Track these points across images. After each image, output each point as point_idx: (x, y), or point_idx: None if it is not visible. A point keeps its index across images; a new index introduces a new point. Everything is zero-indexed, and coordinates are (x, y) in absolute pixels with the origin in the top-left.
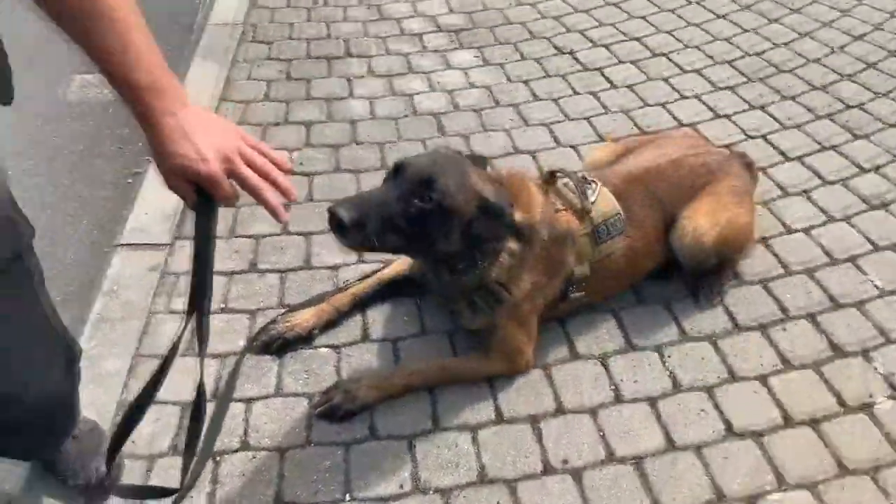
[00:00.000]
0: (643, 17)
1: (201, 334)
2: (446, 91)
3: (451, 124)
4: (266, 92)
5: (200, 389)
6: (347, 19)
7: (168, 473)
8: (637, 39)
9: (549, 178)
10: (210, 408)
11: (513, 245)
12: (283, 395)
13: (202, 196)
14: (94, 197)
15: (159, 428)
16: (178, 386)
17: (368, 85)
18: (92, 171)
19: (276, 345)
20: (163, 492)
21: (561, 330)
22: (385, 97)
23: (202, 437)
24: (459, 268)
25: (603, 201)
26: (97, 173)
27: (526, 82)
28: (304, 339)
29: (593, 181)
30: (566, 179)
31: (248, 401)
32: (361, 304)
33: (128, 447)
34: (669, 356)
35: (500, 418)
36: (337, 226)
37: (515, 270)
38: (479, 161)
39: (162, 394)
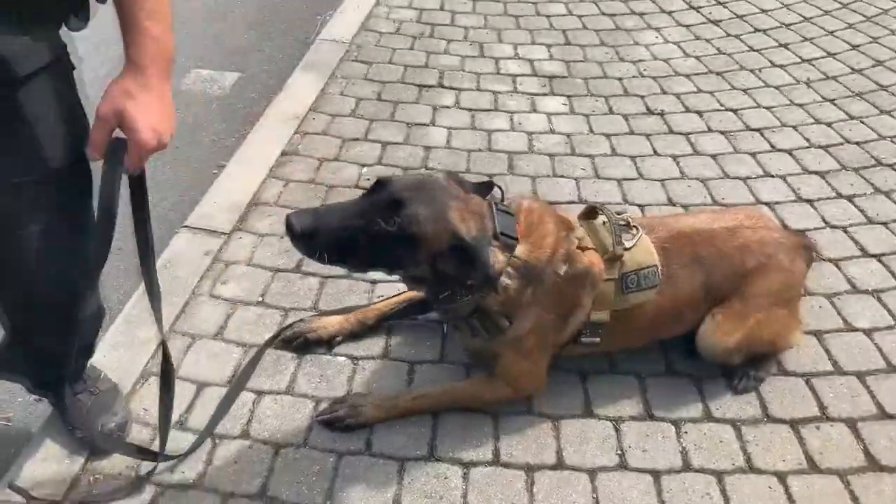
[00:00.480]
0: (746, 91)
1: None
2: (526, 133)
3: (522, 165)
4: (354, 108)
5: (166, 357)
6: (448, 52)
7: (168, 446)
8: (734, 111)
9: (589, 214)
10: (223, 392)
11: (510, 281)
12: (293, 394)
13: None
14: (180, 181)
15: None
16: (200, 366)
17: (452, 116)
18: (185, 157)
19: (296, 343)
20: (145, 453)
21: (580, 385)
22: (465, 130)
23: (171, 408)
24: (440, 296)
25: (640, 250)
26: (189, 160)
27: (608, 136)
28: (325, 344)
29: (636, 227)
30: (605, 219)
31: (260, 393)
32: (388, 319)
33: (139, 414)
34: (686, 433)
35: (496, 460)
36: (291, 233)
37: (515, 304)
38: (484, 188)
39: (183, 371)
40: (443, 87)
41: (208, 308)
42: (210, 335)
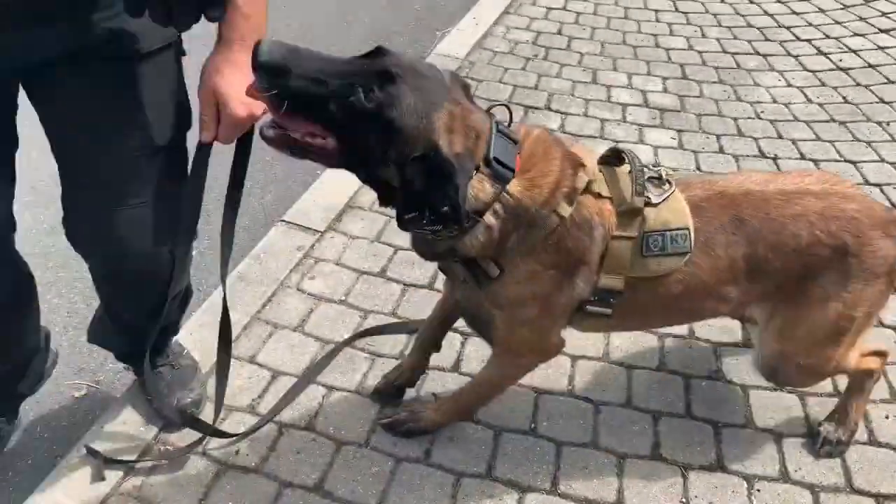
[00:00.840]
0: (869, 143)
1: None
2: None
3: None
4: None
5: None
6: (560, 76)
7: (236, 428)
8: (853, 163)
9: (610, 157)
10: (291, 382)
11: (494, 221)
12: (362, 393)
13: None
14: (286, 177)
15: (247, 385)
16: (277, 355)
17: None
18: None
19: (388, 391)
20: (209, 429)
21: (651, 425)
22: None
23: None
24: (406, 217)
25: (670, 207)
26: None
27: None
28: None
29: (668, 182)
30: (628, 167)
31: (330, 388)
32: (441, 337)
33: (213, 394)
34: (759, 490)
35: (553, 489)
36: (256, 58)
37: (500, 250)
38: (489, 112)
39: (261, 357)
40: (550, 109)
41: (293, 300)
42: (291, 327)
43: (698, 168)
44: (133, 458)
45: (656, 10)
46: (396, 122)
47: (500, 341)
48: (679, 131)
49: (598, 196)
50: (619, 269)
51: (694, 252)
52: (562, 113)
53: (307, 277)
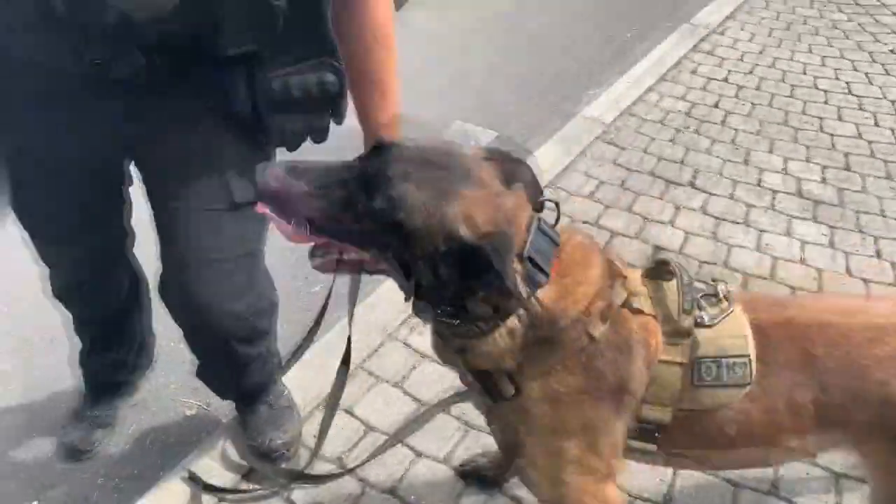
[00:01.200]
0: None
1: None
2: (771, 257)
3: (759, 289)
4: (593, 191)
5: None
6: (709, 153)
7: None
8: None
9: (655, 270)
10: (381, 439)
11: (514, 324)
12: (448, 464)
13: None
14: None
15: (339, 436)
16: (373, 409)
17: (694, 220)
18: None
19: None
20: (297, 476)
21: None
22: (704, 238)
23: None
24: (419, 305)
25: (727, 330)
26: None
27: (866, 282)
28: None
29: (726, 300)
30: (675, 281)
31: (419, 454)
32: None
33: (307, 438)
34: None
35: None
36: (256, 188)
37: (515, 364)
38: (536, 199)
39: (359, 410)
40: (693, 187)
41: (397, 354)
42: (392, 381)
43: (848, 271)
44: (227, 487)
45: (826, 91)
46: (406, 223)
47: (538, 487)
48: (832, 227)
49: (640, 313)
50: (665, 399)
51: (752, 389)
52: (705, 192)
53: (415, 332)
